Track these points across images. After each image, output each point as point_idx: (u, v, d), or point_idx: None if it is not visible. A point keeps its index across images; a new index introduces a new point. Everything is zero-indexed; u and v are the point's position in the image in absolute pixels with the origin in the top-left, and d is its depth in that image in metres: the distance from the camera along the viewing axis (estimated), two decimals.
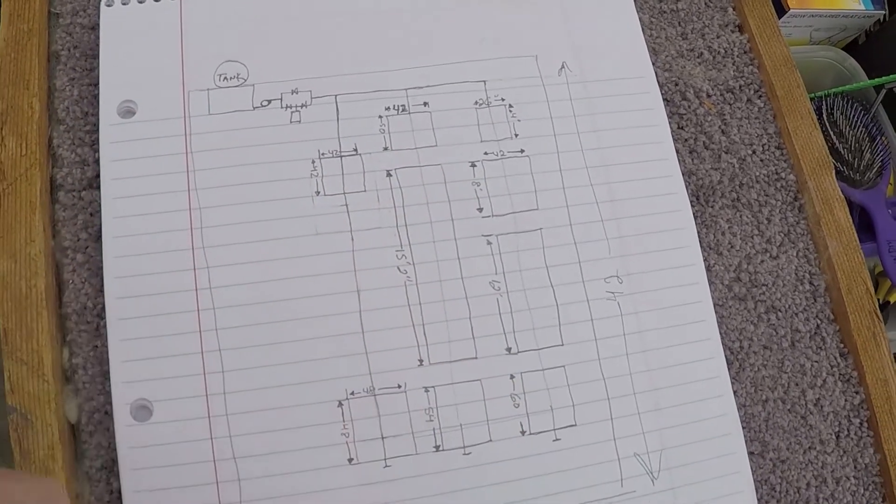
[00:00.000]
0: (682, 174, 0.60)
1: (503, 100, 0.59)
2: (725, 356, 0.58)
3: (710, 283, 0.59)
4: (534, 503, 0.53)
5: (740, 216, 0.62)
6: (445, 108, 0.59)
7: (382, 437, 0.52)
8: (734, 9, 0.69)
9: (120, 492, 0.50)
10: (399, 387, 0.53)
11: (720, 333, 0.58)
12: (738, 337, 0.59)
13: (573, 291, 0.56)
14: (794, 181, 0.64)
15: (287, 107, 0.57)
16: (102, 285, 0.53)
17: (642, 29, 0.64)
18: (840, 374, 0.60)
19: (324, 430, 0.52)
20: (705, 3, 0.68)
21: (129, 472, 0.50)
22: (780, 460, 0.58)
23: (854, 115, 0.87)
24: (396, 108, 0.58)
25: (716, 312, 0.58)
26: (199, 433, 0.51)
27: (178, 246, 0.53)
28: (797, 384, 0.59)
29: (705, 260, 0.59)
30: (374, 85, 0.59)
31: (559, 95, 0.60)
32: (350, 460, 0.51)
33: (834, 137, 0.84)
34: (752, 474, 0.56)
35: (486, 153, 0.58)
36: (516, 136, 0.59)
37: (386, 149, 0.57)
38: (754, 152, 0.64)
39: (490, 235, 0.56)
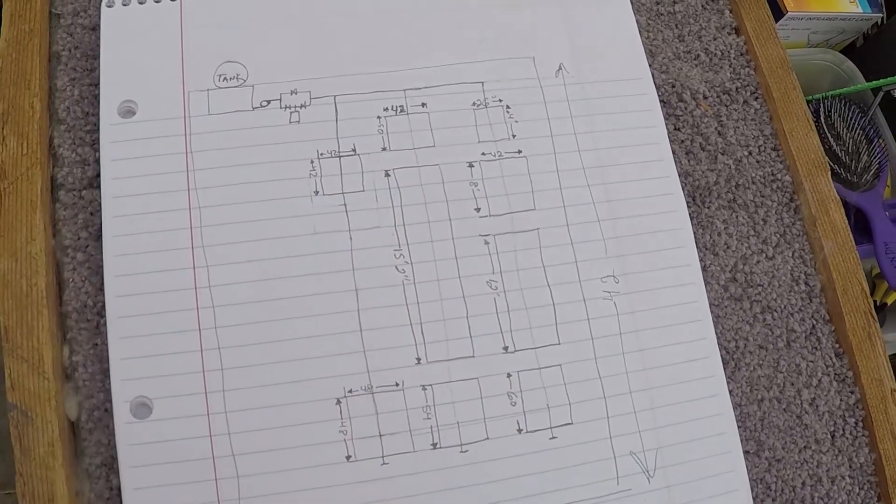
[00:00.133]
0: (679, 175, 0.61)
1: (501, 101, 0.60)
2: (721, 356, 0.58)
3: (706, 283, 0.59)
4: (530, 501, 0.53)
5: (736, 217, 0.62)
6: (443, 109, 0.59)
7: (380, 435, 0.52)
8: (731, 11, 0.69)
9: (119, 489, 0.50)
10: (397, 385, 0.53)
11: (716, 333, 0.58)
12: (734, 337, 0.59)
13: (570, 291, 0.57)
14: (790, 182, 0.64)
15: (286, 107, 0.57)
16: (102, 284, 0.53)
17: (639, 31, 0.64)
18: (835, 373, 0.61)
19: (322, 428, 0.52)
20: (702, 6, 0.69)
21: (129, 469, 0.50)
22: (776, 459, 0.58)
23: (851, 118, 0.87)
24: (395, 108, 0.59)
25: (712, 312, 0.58)
26: (199, 430, 0.51)
27: (178, 245, 0.54)
28: (793, 384, 0.60)
29: (701, 260, 0.60)
30: (373, 86, 0.59)
31: (556, 97, 0.61)
32: (348, 458, 0.52)
33: (831, 140, 0.85)
34: (748, 473, 0.56)
35: (483, 154, 0.58)
36: (514, 136, 0.59)
37: (384, 149, 0.57)
38: (750, 154, 0.64)
39: (487, 235, 0.57)
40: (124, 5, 0.59)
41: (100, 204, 0.55)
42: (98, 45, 0.58)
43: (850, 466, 0.59)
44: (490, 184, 0.58)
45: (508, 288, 0.56)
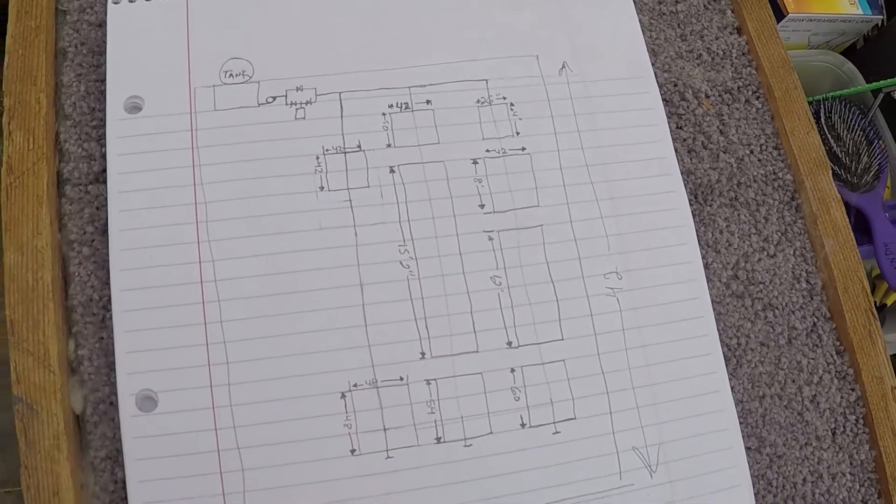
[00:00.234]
0: (681, 173, 0.61)
1: (505, 98, 0.60)
2: (723, 352, 0.58)
3: (708, 280, 0.59)
4: (533, 495, 0.53)
5: (738, 215, 0.63)
6: (448, 106, 0.59)
7: (385, 429, 0.53)
8: (733, 11, 0.69)
9: (124, 482, 0.50)
10: (401, 379, 0.54)
11: (718, 330, 0.58)
12: (736, 334, 0.60)
13: (573, 287, 0.57)
14: (792, 181, 0.65)
15: (292, 104, 0.58)
16: (108, 278, 0.53)
17: (642, 30, 0.65)
18: (836, 371, 0.61)
19: (327, 422, 0.52)
20: (704, 6, 0.69)
21: (134, 462, 0.50)
22: (777, 456, 0.58)
23: (852, 119, 0.87)
24: (400, 105, 0.59)
25: (713, 309, 0.59)
26: (204, 424, 0.51)
27: (184, 239, 0.54)
28: (794, 381, 0.60)
29: (703, 258, 0.60)
30: (378, 83, 0.59)
31: (560, 94, 0.61)
32: (352, 451, 0.52)
33: (832, 141, 0.85)
34: (749, 469, 0.56)
35: (487, 150, 0.59)
36: (518, 134, 0.59)
37: (389, 145, 0.58)
38: (752, 152, 0.65)
39: (491, 231, 0.57)
40: (130, 2, 0.59)
41: (106, 199, 0.55)
42: (104, 42, 0.59)
43: (851, 463, 0.59)
44: (494, 180, 0.58)
45: (512, 284, 0.56)
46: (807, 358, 0.61)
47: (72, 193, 0.56)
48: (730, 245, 0.61)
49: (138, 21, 0.59)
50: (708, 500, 0.55)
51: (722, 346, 0.58)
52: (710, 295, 0.59)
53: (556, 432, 0.54)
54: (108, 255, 0.54)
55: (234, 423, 0.51)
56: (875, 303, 0.80)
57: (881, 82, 0.86)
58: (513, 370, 0.55)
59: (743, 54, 0.68)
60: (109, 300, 0.53)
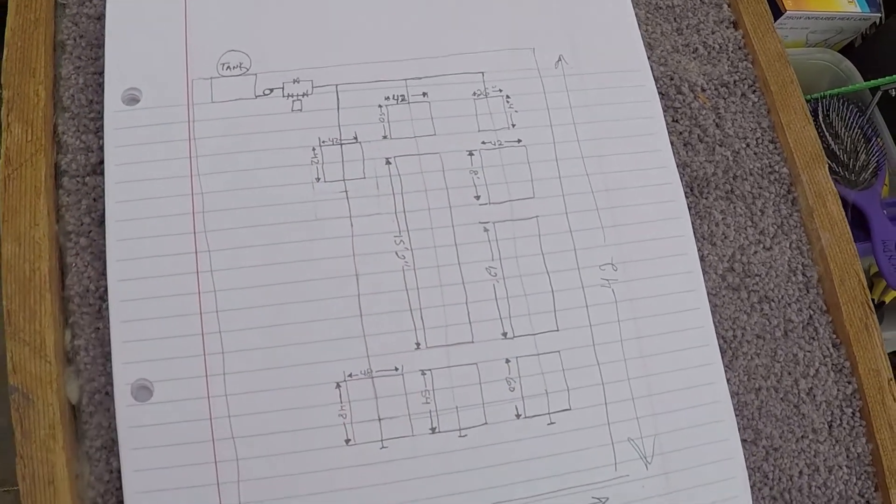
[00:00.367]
0: (677, 166, 0.61)
1: (501, 91, 0.60)
2: (719, 345, 0.58)
3: (704, 272, 0.60)
4: (528, 485, 0.53)
5: (734, 208, 0.63)
6: (444, 99, 0.59)
7: (379, 419, 0.53)
8: (729, 5, 0.70)
9: (120, 471, 0.50)
10: (396, 369, 0.54)
11: (713, 322, 0.58)
12: (732, 326, 0.60)
13: (568, 278, 0.57)
14: (788, 174, 0.65)
15: (288, 95, 0.58)
16: (105, 269, 0.54)
17: (638, 24, 0.65)
18: (832, 364, 0.61)
19: (321, 412, 0.52)
20: (700, 0, 0.69)
21: (129, 452, 0.50)
22: (773, 448, 0.58)
23: (850, 117, 0.87)
24: (396, 97, 0.59)
25: (709, 301, 0.59)
26: (199, 413, 0.51)
27: (180, 230, 0.54)
28: (790, 373, 0.60)
29: (699, 250, 0.60)
30: (375, 75, 0.59)
31: (556, 87, 0.61)
32: (347, 441, 0.52)
33: (830, 139, 0.85)
34: (745, 461, 0.56)
35: (483, 142, 0.59)
36: (513, 126, 0.60)
37: (385, 137, 0.58)
38: (748, 145, 0.65)
39: (487, 223, 0.57)
40: None
41: (103, 190, 0.55)
42: (103, 35, 0.59)
43: (848, 456, 0.59)
44: (490, 172, 0.58)
45: (507, 275, 0.56)
46: (803, 351, 0.61)
47: (69, 185, 0.56)
48: (725, 238, 0.62)
49: (136, 14, 0.59)
50: (703, 491, 0.55)
51: (718, 339, 0.58)
52: (706, 287, 0.59)
53: (552, 423, 0.54)
54: (104, 245, 0.54)
55: (229, 412, 0.51)
56: (873, 300, 0.81)
57: (879, 80, 0.86)
58: (508, 361, 0.55)
59: (739, 48, 0.68)
60: (106, 290, 0.53)
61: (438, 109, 0.59)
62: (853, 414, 0.60)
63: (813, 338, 0.61)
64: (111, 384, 0.52)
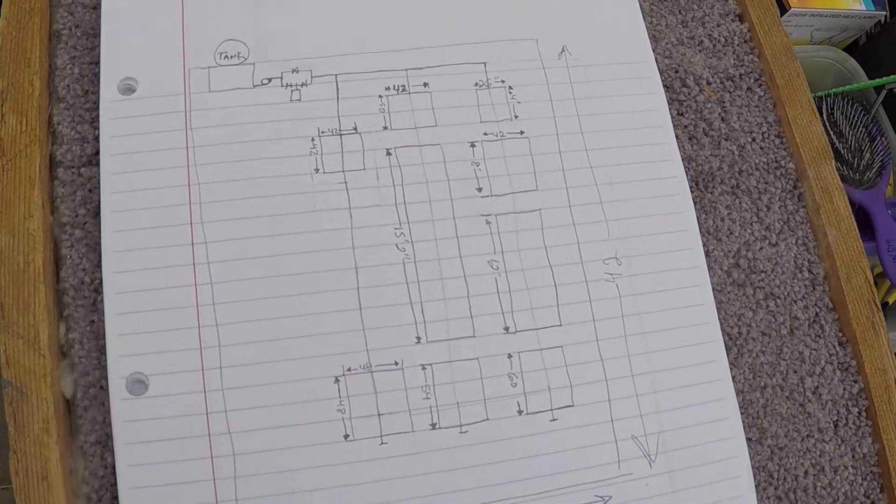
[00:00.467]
0: (682, 160, 0.60)
1: (503, 82, 0.60)
2: (724, 341, 0.57)
3: (709, 268, 0.59)
4: (530, 483, 0.52)
5: (739, 203, 0.62)
6: (445, 89, 0.59)
7: (379, 414, 0.52)
8: None
9: (114, 466, 0.50)
10: (396, 364, 0.53)
11: (719, 318, 0.58)
12: (737, 323, 0.59)
13: (572, 272, 0.56)
14: (794, 169, 0.64)
15: (287, 85, 0.57)
16: (100, 261, 0.53)
17: (642, 16, 0.64)
18: (839, 362, 0.60)
19: (320, 406, 0.51)
20: None
21: (124, 447, 0.50)
22: (778, 447, 0.57)
23: (854, 116, 0.87)
24: (396, 88, 0.58)
25: (714, 297, 0.58)
26: (195, 408, 0.51)
27: (177, 221, 0.53)
28: (796, 371, 0.59)
29: (704, 245, 0.59)
30: (375, 65, 0.59)
31: (559, 78, 0.60)
32: (346, 437, 0.51)
33: (834, 137, 0.85)
34: (750, 460, 0.56)
35: (485, 134, 0.58)
36: (516, 117, 0.59)
37: (385, 128, 0.57)
38: (754, 140, 0.64)
39: (489, 215, 0.56)
40: None
41: (98, 182, 0.54)
42: (98, 25, 0.58)
43: (853, 456, 0.59)
44: (492, 164, 0.57)
45: (510, 268, 0.55)
46: (809, 348, 0.60)
47: (64, 176, 0.55)
48: (731, 233, 0.61)
49: (133, 3, 0.58)
50: (707, 490, 0.54)
51: (723, 335, 0.57)
52: (711, 283, 0.58)
53: (554, 419, 0.53)
54: (100, 237, 0.53)
55: (225, 407, 0.51)
56: None
57: (884, 79, 0.86)
58: (510, 356, 0.54)
59: (745, 41, 0.67)
60: (101, 283, 0.53)
61: (440, 100, 0.58)
62: (859, 413, 0.60)
63: (819, 335, 0.60)
64: (106, 378, 0.51)
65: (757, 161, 0.63)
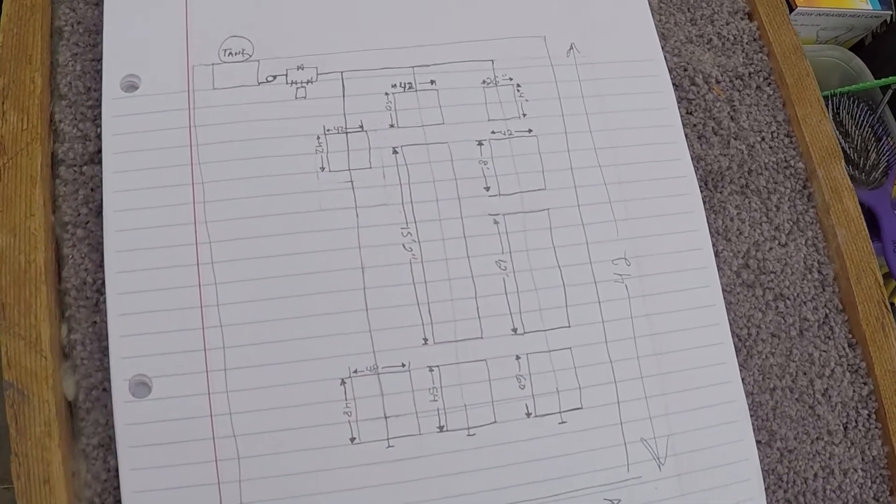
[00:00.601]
0: (691, 159, 0.60)
1: (511, 79, 0.59)
2: (733, 343, 0.57)
3: (718, 268, 0.58)
4: (538, 486, 0.52)
5: (749, 203, 0.61)
6: (452, 87, 0.58)
7: (385, 417, 0.51)
8: None
9: (117, 470, 0.49)
10: (403, 366, 0.52)
11: (728, 320, 0.57)
12: (746, 324, 0.58)
13: (580, 273, 0.55)
14: (803, 169, 0.63)
15: (292, 83, 0.56)
16: (102, 261, 0.52)
17: (651, 14, 0.63)
18: (848, 364, 0.60)
19: (326, 409, 0.51)
20: None
21: (127, 450, 0.49)
22: (788, 450, 0.57)
23: (860, 115, 0.86)
24: (403, 85, 0.58)
25: (724, 298, 0.57)
26: (199, 410, 0.50)
27: (181, 220, 0.53)
28: (805, 373, 0.59)
29: (713, 245, 0.59)
30: (381, 62, 0.58)
31: (567, 76, 0.60)
32: (352, 440, 0.51)
33: (840, 137, 0.84)
34: (759, 463, 0.55)
35: (493, 132, 0.57)
36: (524, 115, 0.58)
37: (392, 126, 0.57)
38: (763, 139, 0.63)
39: (497, 215, 0.56)
40: None
41: (100, 180, 0.54)
42: (101, 21, 0.57)
43: (863, 459, 0.58)
44: (500, 163, 0.57)
45: (518, 268, 0.55)
46: (818, 350, 0.59)
47: (66, 174, 0.55)
48: (740, 233, 0.60)
49: None
50: (717, 494, 0.54)
51: (732, 337, 0.57)
52: (721, 283, 0.58)
53: (563, 422, 0.53)
54: (102, 237, 0.52)
55: (230, 409, 0.50)
56: None
57: (890, 78, 0.85)
58: (518, 357, 0.53)
59: (754, 40, 0.67)
60: (103, 283, 0.52)
61: (447, 98, 0.58)
62: (868, 416, 0.59)
63: (829, 337, 0.60)
64: (108, 380, 0.50)
65: (766, 161, 0.63)
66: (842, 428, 0.58)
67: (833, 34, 0.92)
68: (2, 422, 0.50)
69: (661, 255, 0.57)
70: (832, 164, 0.63)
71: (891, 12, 0.91)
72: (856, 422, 0.59)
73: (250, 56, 0.57)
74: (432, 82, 0.58)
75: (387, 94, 0.57)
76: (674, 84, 0.62)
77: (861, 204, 0.79)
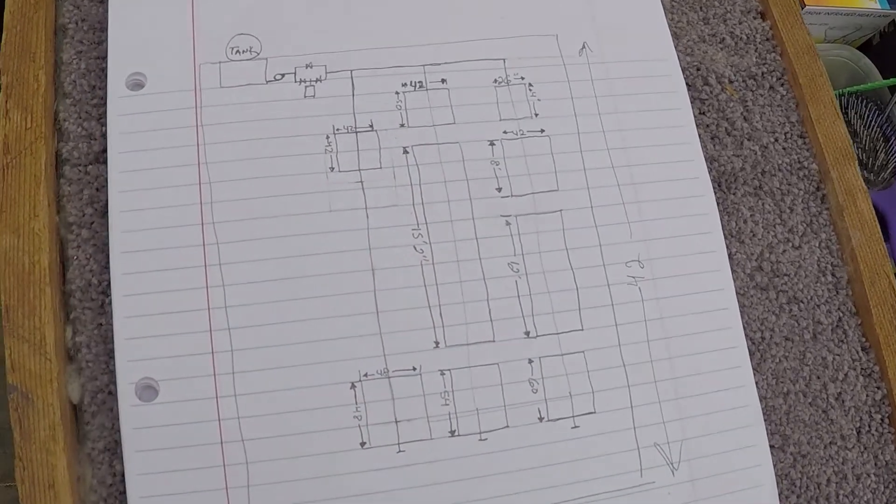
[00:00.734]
0: (704, 160, 0.59)
1: (523, 78, 0.58)
2: (747, 346, 0.56)
3: (732, 271, 0.58)
4: (550, 492, 0.51)
5: (762, 204, 0.61)
6: (464, 86, 0.57)
7: (396, 421, 0.51)
8: None
9: (123, 475, 0.48)
10: (414, 369, 0.52)
11: (741, 323, 0.56)
12: (760, 327, 0.58)
13: (593, 275, 0.55)
14: (817, 171, 0.63)
15: (301, 81, 0.56)
16: (107, 262, 0.52)
17: (664, 13, 0.63)
18: (862, 368, 0.59)
19: (335, 413, 0.50)
20: None
21: (133, 454, 0.48)
22: (801, 455, 0.56)
23: (868, 115, 0.86)
24: (413, 84, 0.57)
25: (737, 302, 0.57)
26: (207, 414, 0.49)
27: (187, 221, 0.52)
28: (818, 377, 0.58)
29: (727, 248, 0.58)
30: (391, 61, 0.57)
31: (580, 76, 0.59)
32: (362, 444, 0.50)
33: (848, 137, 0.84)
34: (773, 468, 0.54)
35: (505, 132, 0.57)
36: (536, 115, 0.58)
37: (402, 125, 0.56)
38: (777, 140, 0.63)
39: (509, 216, 0.55)
40: None
41: (106, 179, 0.53)
42: (105, 18, 0.57)
43: (876, 464, 0.58)
44: (512, 163, 0.56)
45: (530, 271, 0.54)
46: (832, 354, 0.59)
47: (71, 174, 0.54)
48: (754, 235, 0.60)
49: None
50: (731, 499, 0.53)
51: (746, 340, 0.56)
52: (734, 286, 0.57)
53: (575, 427, 0.52)
54: (107, 237, 0.52)
55: (238, 413, 0.49)
56: None
57: None
58: (530, 361, 0.53)
59: (767, 39, 0.66)
60: (109, 285, 0.51)
61: (458, 97, 0.57)
62: (882, 420, 0.58)
63: (842, 341, 0.59)
64: (114, 383, 0.50)
65: (780, 162, 0.62)
66: (855, 432, 0.58)
67: (841, 33, 0.92)
68: (3, 421, 0.49)
69: (675, 257, 0.56)
70: (846, 166, 0.62)
71: None
72: (869, 426, 0.58)
73: (258, 54, 0.56)
74: (443, 81, 0.57)
75: (397, 93, 0.57)
76: (686, 84, 0.61)
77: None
